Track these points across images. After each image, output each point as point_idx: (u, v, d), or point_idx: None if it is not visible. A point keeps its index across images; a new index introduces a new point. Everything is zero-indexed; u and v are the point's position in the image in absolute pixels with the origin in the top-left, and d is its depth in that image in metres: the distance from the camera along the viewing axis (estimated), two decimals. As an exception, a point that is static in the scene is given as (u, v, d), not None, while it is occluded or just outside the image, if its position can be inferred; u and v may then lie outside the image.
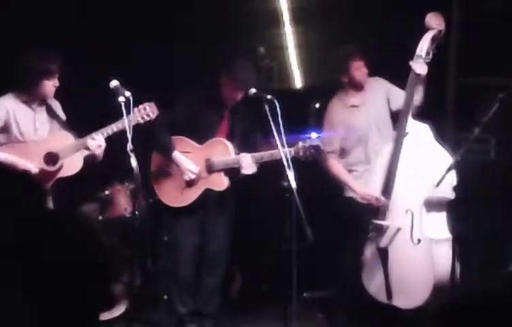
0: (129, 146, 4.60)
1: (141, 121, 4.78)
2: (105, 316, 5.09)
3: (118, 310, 5.31)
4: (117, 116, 4.64)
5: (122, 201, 5.49)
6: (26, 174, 4.73)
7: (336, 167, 5.17)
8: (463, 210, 4.95)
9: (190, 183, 5.07)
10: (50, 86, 4.81)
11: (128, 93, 4.57)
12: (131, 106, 4.54)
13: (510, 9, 5.95)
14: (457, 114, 6.11)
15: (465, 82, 6.11)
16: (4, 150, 4.79)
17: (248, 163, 4.86)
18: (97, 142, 4.74)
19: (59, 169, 4.81)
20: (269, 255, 6.01)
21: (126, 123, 4.55)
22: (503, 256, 5.25)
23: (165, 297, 5.55)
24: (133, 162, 4.57)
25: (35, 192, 4.73)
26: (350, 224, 5.14)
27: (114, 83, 4.63)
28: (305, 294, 5.91)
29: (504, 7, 6.02)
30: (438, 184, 4.73)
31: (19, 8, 5.66)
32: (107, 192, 5.50)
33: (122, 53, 5.78)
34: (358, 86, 5.20)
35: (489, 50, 6.03)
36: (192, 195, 5.10)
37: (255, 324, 5.65)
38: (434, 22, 4.93)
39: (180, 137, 5.09)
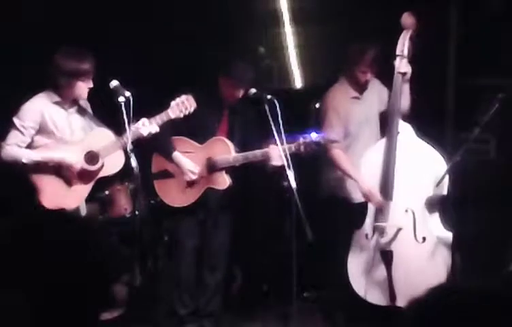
0: (129, 146, 4.60)
1: (181, 115, 4.75)
2: (105, 316, 5.10)
3: (118, 310, 5.31)
4: (117, 116, 4.64)
5: (122, 201, 5.49)
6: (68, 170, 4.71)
7: (340, 157, 5.16)
8: (463, 210, 4.96)
9: (191, 183, 5.07)
10: (84, 87, 4.73)
11: (128, 93, 4.56)
12: (131, 106, 4.54)
13: (510, 9, 5.95)
14: (457, 114, 6.11)
15: (465, 82, 6.10)
16: (45, 150, 4.73)
17: (277, 155, 4.72)
18: (147, 128, 4.68)
19: (100, 169, 4.78)
20: (269, 255, 6.01)
21: (126, 125, 4.55)
22: (503, 256, 5.25)
23: (165, 297, 5.54)
24: (133, 162, 4.57)
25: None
26: (344, 224, 5.13)
27: (114, 83, 4.63)
28: (305, 294, 5.91)
29: (504, 7, 6.02)
30: (438, 184, 4.73)
31: (19, 8, 5.66)
32: (107, 192, 5.50)
33: (122, 53, 5.78)
34: (359, 86, 5.20)
35: (489, 50, 6.02)
36: (193, 195, 5.10)
37: (255, 324, 5.65)
38: (410, 21, 4.97)
39: (180, 137, 5.09)
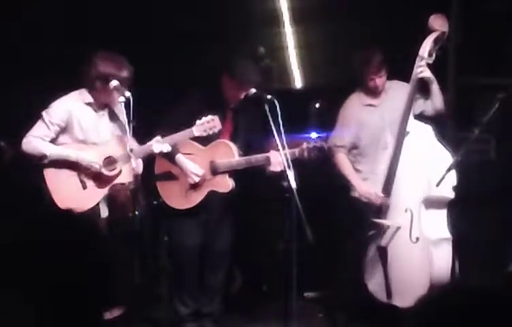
0: (129, 145, 4.61)
1: (205, 134, 4.74)
2: (105, 316, 5.09)
3: (118, 311, 5.31)
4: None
5: (123, 202, 5.48)
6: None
7: (342, 161, 5.17)
8: (463, 210, 4.96)
9: (194, 185, 5.05)
10: (117, 96, 4.66)
11: (128, 93, 4.56)
12: (131, 106, 4.54)
13: (510, 9, 5.95)
14: (457, 114, 6.11)
15: (465, 82, 6.10)
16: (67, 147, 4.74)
17: (277, 161, 4.71)
18: (159, 146, 4.68)
19: (117, 175, 4.77)
20: (269, 255, 6.00)
21: (126, 123, 4.55)
22: (503, 256, 5.25)
23: (165, 297, 5.54)
24: (133, 162, 4.57)
25: (35, 192, 4.72)
26: (354, 224, 5.14)
27: (114, 83, 4.63)
28: (305, 294, 5.91)
29: (505, 7, 6.02)
30: (438, 184, 4.73)
31: (19, 8, 5.66)
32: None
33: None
34: (373, 92, 5.17)
35: (489, 50, 6.02)
36: (196, 198, 5.08)
37: (255, 324, 5.65)
38: (437, 23, 4.93)
39: (184, 139, 5.07)
